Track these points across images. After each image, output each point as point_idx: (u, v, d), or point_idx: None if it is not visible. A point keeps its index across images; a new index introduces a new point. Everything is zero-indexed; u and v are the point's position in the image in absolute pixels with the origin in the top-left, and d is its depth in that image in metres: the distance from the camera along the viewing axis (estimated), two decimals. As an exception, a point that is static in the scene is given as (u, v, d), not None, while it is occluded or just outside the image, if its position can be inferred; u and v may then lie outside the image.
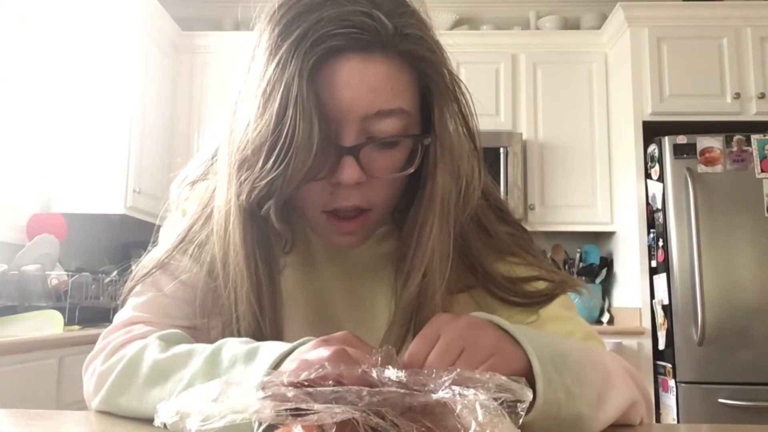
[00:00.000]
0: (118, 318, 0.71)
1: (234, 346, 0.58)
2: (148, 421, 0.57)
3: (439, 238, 0.64)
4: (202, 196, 0.73)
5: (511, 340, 0.53)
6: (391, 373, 0.43)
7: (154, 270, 0.71)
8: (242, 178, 0.60)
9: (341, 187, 0.61)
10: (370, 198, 0.64)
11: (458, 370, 0.43)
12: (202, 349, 0.59)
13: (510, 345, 0.52)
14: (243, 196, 0.61)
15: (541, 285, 0.71)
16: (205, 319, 0.69)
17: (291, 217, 0.67)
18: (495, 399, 0.40)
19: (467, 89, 0.68)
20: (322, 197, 0.63)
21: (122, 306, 0.73)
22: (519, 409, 0.41)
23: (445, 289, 0.66)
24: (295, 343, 0.54)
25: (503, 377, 0.43)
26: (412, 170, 0.64)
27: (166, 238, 0.75)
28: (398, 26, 0.60)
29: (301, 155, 0.57)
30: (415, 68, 0.63)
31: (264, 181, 0.59)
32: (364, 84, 0.59)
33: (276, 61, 0.58)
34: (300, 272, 0.74)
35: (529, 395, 0.42)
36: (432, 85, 0.64)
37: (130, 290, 0.73)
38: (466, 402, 0.39)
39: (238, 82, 0.64)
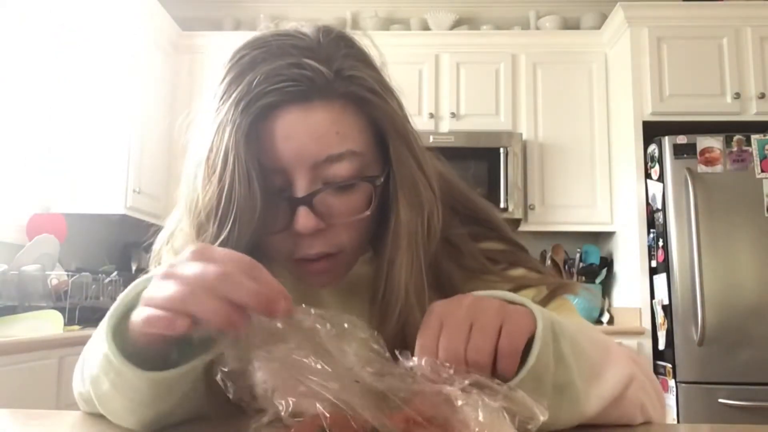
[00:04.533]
0: None
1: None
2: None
3: (411, 273, 0.64)
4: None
5: (511, 304, 0.53)
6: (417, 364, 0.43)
7: None
8: (201, 241, 0.62)
9: (302, 236, 0.61)
10: (335, 243, 0.63)
11: (477, 376, 0.43)
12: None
13: (513, 307, 0.52)
14: None
15: (529, 293, 0.70)
16: None
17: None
18: (507, 410, 0.40)
19: (413, 127, 0.68)
20: (286, 247, 0.63)
21: None
22: (529, 425, 0.41)
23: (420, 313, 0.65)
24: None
25: (520, 392, 0.42)
26: (368, 213, 0.63)
27: None
28: (337, 69, 0.60)
29: (246, 215, 0.58)
30: (360, 107, 0.62)
31: (216, 244, 0.60)
32: (307, 133, 0.59)
33: (216, 126, 0.59)
34: (295, 295, 0.73)
35: (542, 417, 0.42)
36: (379, 122, 0.64)
37: None
38: (469, 400, 0.39)
39: (194, 142, 0.64)
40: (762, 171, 2.71)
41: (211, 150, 0.59)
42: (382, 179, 0.64)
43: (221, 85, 0.61)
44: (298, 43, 0.61)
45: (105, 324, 0.52)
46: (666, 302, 2.71)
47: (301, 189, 0.60)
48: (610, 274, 3.27)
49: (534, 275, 0.72)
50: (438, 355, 0.49)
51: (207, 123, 0.61)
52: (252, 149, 0.58)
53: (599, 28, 3.36)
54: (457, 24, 3.59)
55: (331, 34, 0.63)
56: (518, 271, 0.72)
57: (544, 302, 0.69)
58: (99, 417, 0.62)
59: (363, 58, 0.64)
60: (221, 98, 0.60)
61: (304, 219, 0.60)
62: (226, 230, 0.59)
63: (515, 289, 0.69)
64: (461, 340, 0.49)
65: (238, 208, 0.58)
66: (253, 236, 0.60)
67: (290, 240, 0.63)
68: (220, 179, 0.58)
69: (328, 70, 0.59)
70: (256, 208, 0.58)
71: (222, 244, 0.59)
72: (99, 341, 0.53)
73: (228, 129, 0.58)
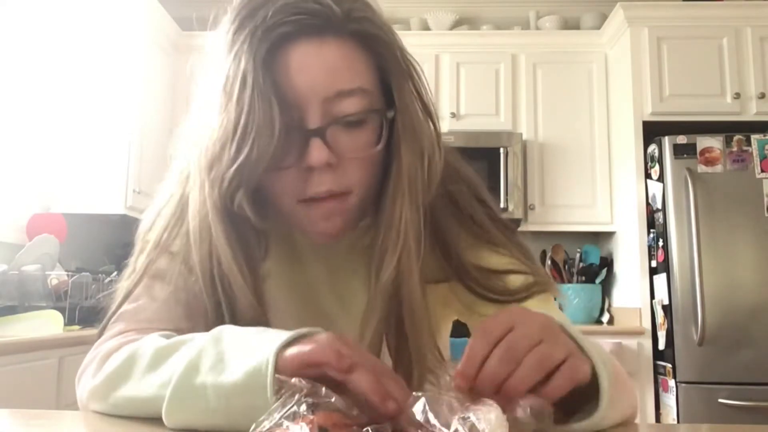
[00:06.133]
0: (108, 330, 0.70)
1: (237, 328, 0.57)
2: (149, 420, 0.57)
3: (410, 217, 0.65)
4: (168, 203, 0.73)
5: (579, 349, 0.52)
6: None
7: (138, 282, 0.70)
8: (212, 175, 0.61)
9: (313, 172, 0.62)
10: (344, 182, 0.64)
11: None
12: (204, 333, 0.58)
13: (580, 353, 0.51)
14: (215, 191, 0.61)
15: (517, 281, 0.70)
16: (192, 323, 0.67)
17: (269, 216, 0.67)
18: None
19: (420, 67, 0.69)
20: (295, 186, 0.63)
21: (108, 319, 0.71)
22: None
23: (420, 277, 0.65)
24: (301, 331, 0.53)
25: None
26: (380, 147, 0.64)
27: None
28: (347, 10, 0.62)
29: (264, 138, 0.58)
30: (369, 48, 0.64)
31: (231, 170, 0.59)
32: (320, 66, 0.61)
33: (232, 56, 0.60)
34: (287, 271, 0.74)
35: None
36: (387, 64, 0.65)
37: (113, 313, 0.71)
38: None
39: (201, 87, 0.65)
40: (762, 171, 2.71)
41: (227, 78, 0.60)
42: (392, 113, 0.65)
43: (234, 22, 0.61)
44: None
45: (270, 353, 0.51)
46: (666, 302, 2.71)
47: (313, 122, 0.61)
48: (610, 274, 3.27)
49: (524, 261, 0.73)
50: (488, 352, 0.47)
51: (218, 58, 0.62)
52: (268, 76, 0.59)
53: (599, 28, 3.36)
54: (457, 24, 3.59)
55: None
56: (510, 247, 0.73)
57: (526, 295, 0.69)
58: (99, 417, 0.62)
59: (370, 5, 0.66)
60: (235, 32, 0.60)
61: (317, 151, 0.60)
62: (244, 153, 0.58)
63: (509, 273, 0.71)
64: (515, 356, 0.47)
65: (257, 130, 0.58)
66: (269, 165, 0.60)
67: (299, 177, 0.62)
68: (238, 103, 0.58)
69: (341, 10, 0.61)
70: (275, 130, 0.58)
71: (239, 169, 0.59)
72: (219, 363, 0.52)
73: (244, 56, 0.59)
